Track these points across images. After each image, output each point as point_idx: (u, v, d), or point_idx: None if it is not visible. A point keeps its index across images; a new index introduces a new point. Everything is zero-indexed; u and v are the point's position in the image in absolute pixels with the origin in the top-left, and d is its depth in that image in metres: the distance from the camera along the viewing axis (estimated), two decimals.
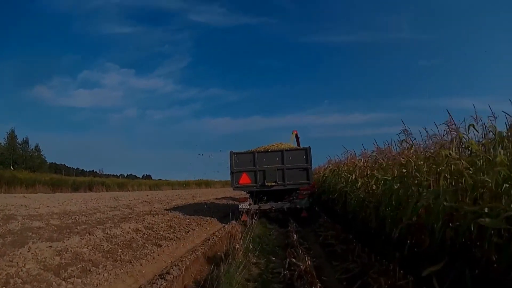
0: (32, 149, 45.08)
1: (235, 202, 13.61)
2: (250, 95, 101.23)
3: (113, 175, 58.49)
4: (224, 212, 13.47)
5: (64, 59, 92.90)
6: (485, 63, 73.28)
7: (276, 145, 11.98)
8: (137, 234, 8.20)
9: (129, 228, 8.60)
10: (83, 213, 10.67)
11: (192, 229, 9.63)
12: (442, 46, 78.61)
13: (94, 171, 59.50)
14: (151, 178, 62.95)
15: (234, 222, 9.97)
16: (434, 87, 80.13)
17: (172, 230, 9.26)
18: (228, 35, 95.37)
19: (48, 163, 49.16)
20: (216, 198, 22.23)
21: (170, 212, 12.67)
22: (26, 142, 44.03)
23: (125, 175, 63.57)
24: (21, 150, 43.40)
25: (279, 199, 11.24)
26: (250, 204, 10.85)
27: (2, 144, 40.13)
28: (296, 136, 14.99)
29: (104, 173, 57.95)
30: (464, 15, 68.39)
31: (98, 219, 9.60)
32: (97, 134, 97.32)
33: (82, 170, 59.87)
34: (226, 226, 9.95)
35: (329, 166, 12.66)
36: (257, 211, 10.51)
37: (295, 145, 13.77)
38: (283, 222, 10.72)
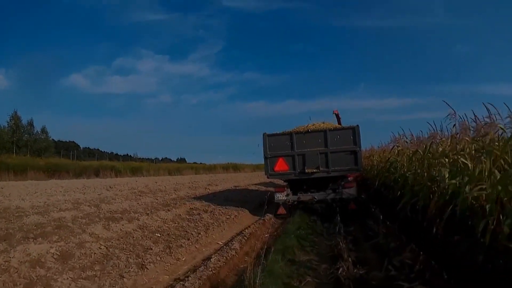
0: (37, 131, 45.06)
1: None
2: (284, 79, 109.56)
3: (148, 158, 61.13)
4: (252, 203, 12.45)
5: (100, 47, 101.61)
6: None
7: (317, 125, 10.68)
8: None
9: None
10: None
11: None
12: (478, 31, 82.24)
13: (128, 154, 64.19)
14: (186, 162, 66.51)
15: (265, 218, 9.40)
16: (471, 72, 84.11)
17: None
18: (261, 20, 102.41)
19: (53, 145, 49.28)
20: (236, 188, 19.87)
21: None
22: (31, 124, 44.09)
23: (160, 159, 66.83)
24: (26, 133, 42.90)
25: (322, 189, 10.22)
26: (287, 195, 10.13)
27: (3, 127, 39.91)
28: (337, 116, 13.60)
29: (139, 157, 61.18)
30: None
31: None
32: (132, 119, 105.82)
33: (116, 154, 63.12)
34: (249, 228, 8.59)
35: (397, 146, 9.55)
36: (296, 202, 10.21)
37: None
38: (327, 215, 9.64)
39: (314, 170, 9.79)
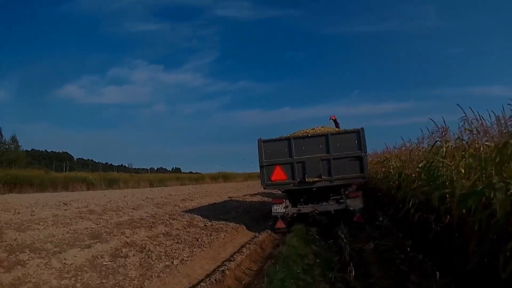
0: (8, 141, 43.29)
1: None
2: (279, 87, 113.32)
3: (143, 168, 63.17)
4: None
5: (93, 58, 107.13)
6: None
7: (317, 129, 10.23)
8: None
9: None
10: None
11: None
12: (470, 34, 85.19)
13: (123, 165, 64.09)
14: (180, 171, 67.62)
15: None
16: (464, 75, 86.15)
17: None
18: (255, 29, 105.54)
19: (25, 155, 47.41)
20: (215, 203, 17.56)
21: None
22: None
23: (155, 169, 68.72)
24: None
25: (324, 199, 9.68)
26: (286, 207, 9.52)
27: None
28: (335, 121, 13.64)
29: (134, 167, 61.94)
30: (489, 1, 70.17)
31: None
32: (127, 129, 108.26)
33: (111, 164, 64.33)
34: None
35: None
36: (296, 215, 9.63)
37: None
38: (330, 228, 8.83)
39: (316, 179, 9.23)
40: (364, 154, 9.11)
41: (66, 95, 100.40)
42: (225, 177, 52.39)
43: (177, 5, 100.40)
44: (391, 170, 10.14)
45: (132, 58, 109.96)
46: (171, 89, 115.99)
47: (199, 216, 11.86)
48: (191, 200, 18.23)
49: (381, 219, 8.40)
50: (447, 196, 5.33)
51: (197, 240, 8.47)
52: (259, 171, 9.81)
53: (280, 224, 9.23)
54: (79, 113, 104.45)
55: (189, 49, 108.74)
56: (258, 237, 8.41)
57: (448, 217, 5.28)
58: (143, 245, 7.83)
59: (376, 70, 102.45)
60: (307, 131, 10.11)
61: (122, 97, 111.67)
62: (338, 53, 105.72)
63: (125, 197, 20.65)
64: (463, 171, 5.29)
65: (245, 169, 60.74)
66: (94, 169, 52.51)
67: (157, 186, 39.19)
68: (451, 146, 5.94)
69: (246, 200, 19.28)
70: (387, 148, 12.24)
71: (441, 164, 5.84)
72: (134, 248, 7.60)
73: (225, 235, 9.12)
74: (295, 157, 9.38)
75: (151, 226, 10.04)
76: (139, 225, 10.09)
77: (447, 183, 5.54)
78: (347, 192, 9.56)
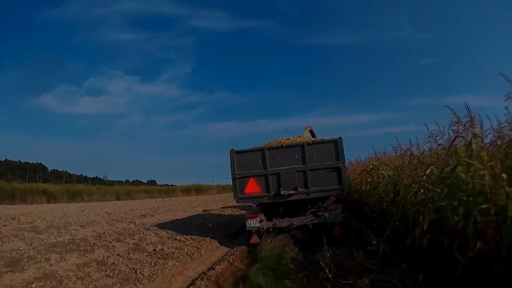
0: None
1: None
2: (254, 98, 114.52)
3: (118, 181, 61.22)
4: None
5: (69, 67, 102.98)
6: (486, 59, 77.72)
7: (293, 139, 9.80)
8: None
9: None
10: None
11: None
12: (442, 45, 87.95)
13: (98, 177, 63.14)
14: (156, 184, 66.79)
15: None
16: (436, 85, 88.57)
17: None
18: (231, 39, 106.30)
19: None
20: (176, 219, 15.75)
21: None
22: None
23: (131, 181, 67.11)
24: None
25: (301, 212, 9.24)
26: (261, 221, 9.05)
27: None
28: (311, 132, 12.93)
29: (109, 179, 60.61)
30: (462, 13, 74.69)
31: None
32: (103, 140, 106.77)
33: (86, 176, 63.01)
34: None
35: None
36: (271, 229, 8.87)
37: None
38: (309, 242, 8.57)
39: (291, 192, 8.85)
40: (342, 164, 8.76)
41: (42, 105, 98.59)
42: (198, 190, 50.54)
43: (153, 15, 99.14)
44: (381, 180, 8.55)
45: (109, 68, 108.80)
46: (147, 100, 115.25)
47: (152, 236, 9.99)
48: (152, 216, 16.22)
49: (374, 242, 6.65)
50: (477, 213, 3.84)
51: (136, 272, 6.56)
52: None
53: (255, 240, 8.68)
54: (55, 123, 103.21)
55: (165, 59, 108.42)
56: (215, 268, 6.54)
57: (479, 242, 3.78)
58: (62, 278, 5.93)
59: (351, 81, 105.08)
60: (281, 141, 9.70)
61: (98, 107, 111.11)
62: (313, 64, 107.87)
63: (82, 211, 18.59)
64: (504, 176, 3.73)
65: (220, 181, 59.77)
66: (68, 180, 51.35)
67: (124, 199, 37.15)
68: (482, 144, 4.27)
69: (215, 214, 17.64)
70: (375, 154, 10.65)
71: (468, 169, 4.15)
72: (49, 283, 5.73)
73: (174, 264, 7.25)
74: (269, 169, 9.00)
75: (88, 249, 8.12)
76: (75, 248, 8.21)
77: (479, 196, 3.90)
78: (325, 205, 9.08)
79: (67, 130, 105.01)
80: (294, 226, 9.02)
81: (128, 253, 8.00)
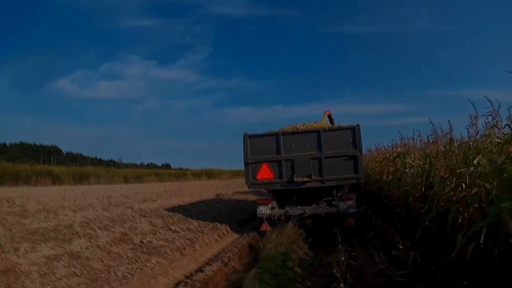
0: None
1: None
2: (272, 85, 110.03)
3: (133, 164, 60.61)
4: None
5: (86, 52, 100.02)
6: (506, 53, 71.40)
7: (309, 125, 9.55)
8: None
9: None
10: None
11: None
12: (461, 37, 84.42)
13: (113, 160, 62.69)
14: (170, 167, 65.89)
15: None
16: (455, 78, 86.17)
17: None
18: (249, 26, 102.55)
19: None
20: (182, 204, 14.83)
21: None
22: None
23: (145, 164, 66.77)
24: None
25: (314, 201, 8.98)
26: (272, 208, 8.84)
27: None
28: (330, 117, 11.95)
29: (123, 162, 60.20)
30: (482, 5, 72.62)
31: None
32: (118, 124, 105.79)
33: (100, 159, 61.72)
34: None
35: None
36: (283, 217, 8.60)
37: None
38: (321, 235, 8.15)
39: (305, 179, 8.60)
40: (359, 153, 8.52)
41: (58, 89, 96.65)
42: (210, 175, 49.95)
43: (171, 1, 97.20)
44: (407, 170, 7.37)
45: (126, 53, 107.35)
46: (164, 85, 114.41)
47: (145, 225, 8.97)
48: (153, 201, 15.18)
49: (400, 247, 5.46)
50: None
51: (109, 270, 5.48)
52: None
53: (266, 227, 8.38)
54: (71, 107, 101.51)
55: (183, 45, 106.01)
56: (204, 270, 5.41)
57: None
58: (21, 275, 4.89)
59: (369, 71, 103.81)
60: (297, 126, 9.44)
61: (114, 92, 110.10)
62: (331, 53, 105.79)
63: (83, 194, 17.51)
64: None
65: (232, 166, 60.60)
66: (82, 163, 51.09)
67: (132, 183, 36.46)
68: None
69: (222, 200, 16.60)
70: (401, 141, 9.34)
71: None
72: (4, 279, 4.71)
73: (159, 262, 6.15)
74: (283, 155, 8.80)
75: (67, 239, 7.08)
76: (54, 236, 7.15)
77: None
78: (339, 194, 8.88)
79: (83, 114, 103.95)
80: (306, 214, 8.73)
81: (111, 245, 6.99)
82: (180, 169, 60.10)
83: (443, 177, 5.17)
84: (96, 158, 62.66)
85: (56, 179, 30.07)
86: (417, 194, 6.44)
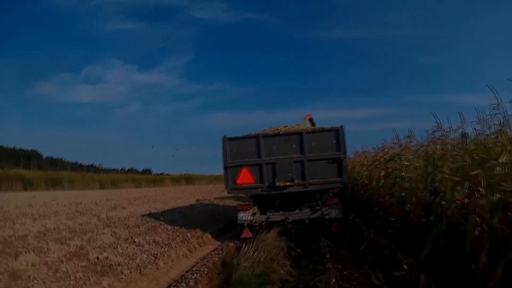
0: None
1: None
2: (253, 90, 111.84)
3: (114, 169, 60.95)
4: None
5: (67, 55, 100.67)
6: (486, 59, 77.82)
7: (290, 127, 9.42)
8: None
9: None
10: None
11: None
12: (442, 43, 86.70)
13: (94, 165, 62.12)
14: (151, 173, 66.60)
15: None
16: (436, 83, 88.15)
17: None
18: (230, 31, 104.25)
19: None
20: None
21: None
22: None
23: (126, 169, 66.99)
24: None
25: (297, 206, 8.73)
26: (254, 214, 8.53)
27: None
28: (311, 120, 12.16)
29: (104, 167, 59.76)
30: (462, 12, 74.30)
31: None
32: (99, 128, 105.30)
33: (80, 164, 61.60)
34: None
35: None
36: (264, 224, 8.26)
37: None
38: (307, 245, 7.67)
39: (287, 184, 8.27)
40: (343, 155, 8.24)
41: (38, 93, 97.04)
42: (188, 179, 49.64)
43: (153, 5, 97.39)
44: (404, 174, 6.45)
45: (107, 57, 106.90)
46: (145, 89, 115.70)
47: (107, 236, 8.00)
48: (124, 208, 14.21)
49: (405, 266, 4.53)
50: None
51: None
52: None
53: (247, 234, 8.04)
54: (52, 111, 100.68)
55: (164, 49, 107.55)
56: None
57: None
58: None
59: (350, 76, 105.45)
60: (278, 128, 9.21)
61: (95, 96, 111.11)
62: (312, 58, 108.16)
63: (52, 200, 17.08)
64: None
65: (212, 171, 59.26)
66: (62, 168, 51.25)
67: (108, 188, 35.51)
68: None
69: (198, 207, 15.72)
70: (397, 140, 8.35)
71: None
72: None
73: (110, 285, 5.03)
74: (264, 158, 8.49)
75: (14, 253, 6.24)
76: (0, 249, 6.47)
77: None
78: (323, 199, 8.59)
79: (64, 118, 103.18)
80: (289, 220, 8.47)
81: (61, 262, 5.96)
82: (161, 174, 60.62)
83: (455, 180, 4.31)
84: (76, 163, 62.92)
85: (28, 184, 29.23)
86: (416, 201, 5.54)
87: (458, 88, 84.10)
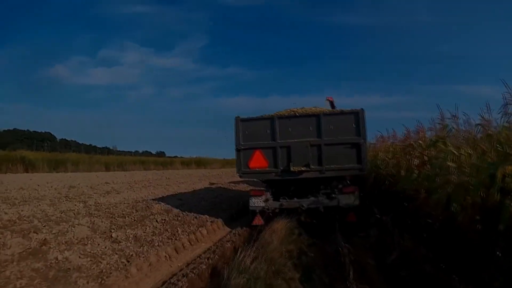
0: None
1: None
2: (268, 74, 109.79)
3: (128, 151, 62.14)
4: None
5: (83, 38, 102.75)
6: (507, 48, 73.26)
7: (307, 109, 8.74)
8: None
9: None
10: None
11: None
12: (461, 31, 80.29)
13: (107, 147, 63.78)
14: (164, 155, 66.93)
15: None
16: (452, 73, 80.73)
17: None
18: (246, 15, 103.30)
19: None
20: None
21: None
22: None
23: (140, 152, 68.64)
24: None
25: (312, 193, 8.37)
26: (266, 200, 8.37)
27: None
28: (332, 103, 11.06)
29: (118, 150, 60.99)
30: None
31: None
32: (114, 111, 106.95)
33: (94, 146, 63.30)
34: None
35: None
36: (277, 210, 8.24)
37: None
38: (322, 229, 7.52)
39: (303, 169, 7.96)
40: (363, 140, 7.86)
41: (54, 75, 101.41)
42: (199, 163, 48.56)
43: None
44: (450, 164, 4.97)
45: (123, 39, 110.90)
46: (160, 72, 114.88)
47: (83, 229, 6.78)
48: (118, 193, 13.06)
49: None
50: None
51: None
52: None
53: (258, 221, 8.09)
54: (66, 94, 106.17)
55: (180, 33, 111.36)
56: None
57: None
58: None
59: (367, 63, 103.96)
60: (295, 110, 8.70)
61: (110, 78, 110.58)
62: (329, 44, 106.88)
63: (47, 183, 16.11)
64: None
65: (223, 155, 60.65)
66: (76, 150, 51.23)
67: (114, 170, 34.68)
68: None
69: (200, 193, 14.36)
70: (440, 122, 6.61)
71: None
72: None
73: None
74: (279, 141, 8.21)
75: None
76: None
77: None
78: (340, 186, 8.28)
79: (78, 100, 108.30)
80: (304, 208, 8.21)
81: (12, 262, 4.79)
82: (175, 157, 60.25)
83: None
84: (90, 145, 63.15)
85: (30, 166, 28.21)
86: (472, 201, 4.16)
87: (475, 78, 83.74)
